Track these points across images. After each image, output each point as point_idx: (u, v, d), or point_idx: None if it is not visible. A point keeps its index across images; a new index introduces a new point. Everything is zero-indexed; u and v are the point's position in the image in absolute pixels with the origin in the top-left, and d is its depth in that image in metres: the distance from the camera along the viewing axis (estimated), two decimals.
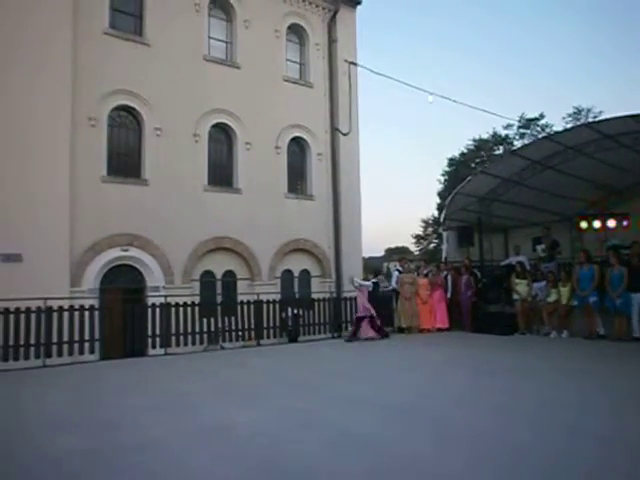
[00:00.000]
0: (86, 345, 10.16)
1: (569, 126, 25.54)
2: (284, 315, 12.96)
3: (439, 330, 12.99)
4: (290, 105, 15.58)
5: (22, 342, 9.43)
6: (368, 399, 6.05)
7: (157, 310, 11.08)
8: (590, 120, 25.49)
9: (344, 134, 16.50)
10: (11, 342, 9.35)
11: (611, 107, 64.60)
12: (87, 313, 10.27)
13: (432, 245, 41.29)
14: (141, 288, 12.80)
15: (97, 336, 10.33)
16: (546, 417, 5.09)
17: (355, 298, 12.94)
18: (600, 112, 31.71)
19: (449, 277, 13.68)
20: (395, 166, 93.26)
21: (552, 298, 11.62)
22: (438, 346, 10.84)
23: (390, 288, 14.38)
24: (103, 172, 12.44)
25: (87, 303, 10.61)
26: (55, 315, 9.82)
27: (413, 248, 46.45)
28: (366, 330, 12.05)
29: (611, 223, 13.88)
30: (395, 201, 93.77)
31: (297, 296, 15.18)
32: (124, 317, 10.93)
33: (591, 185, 14.58)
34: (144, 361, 10.05)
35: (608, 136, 11.86)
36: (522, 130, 35.40)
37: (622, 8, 69.41)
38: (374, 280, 13.03)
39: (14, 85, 11.07)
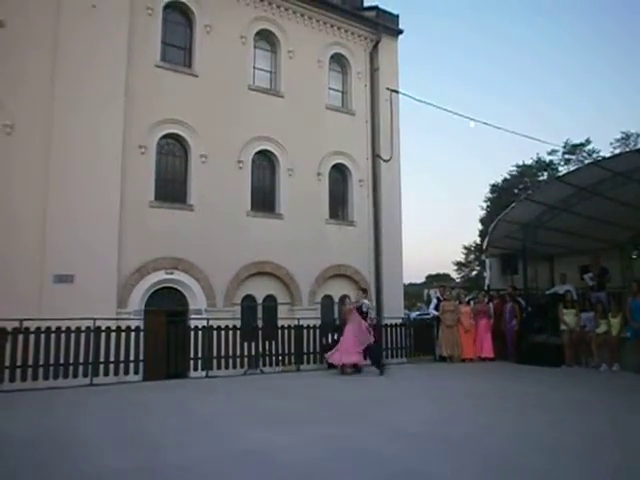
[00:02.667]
0: (131, 365, 10.39)
1: (617, 152, 24.91)
2: (324, 341, 12.92)
3: (482, 360, 12.66)
4: (332, 132, 15.82)
5: (71, 360, 9.74)
6: (404, 427, 5.95)
7: (199, 333, 11.24)
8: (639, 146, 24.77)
9: (385, 161, 16.58)
10: (61, 360, 9.67)
11: None
12: (132, 334, 10.53)
13: (474, 272, 40.56)
14: (184, 311, 13.06)
15: (141, 357, 10.55)
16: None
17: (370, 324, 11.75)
18: None
19: (491, 305, 13.39)
20: (437, 192, 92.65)
21: (602, 329, 11.19)
22: (480, 376, 10.57)
23: (431, 315, 14.17)
24: (151, 197, 12.88)
25: (133, 324, 10.90)
26: (103, 335, 10.12)
27: (454, 275, 45.70)
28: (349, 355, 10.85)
29: None
30: (437, 227, 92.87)
31: (337, 322, 15.12)
32: (167, 339, 11.14)
33: None
34: (185, 383, 10.20)
35: None
36: (567, 156, 34.73)
37: None
38: (364, 301, 11.55)
39: (74, 108, 11.68)
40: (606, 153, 28.25)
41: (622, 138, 32.79)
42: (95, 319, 10.00)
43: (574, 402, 7.69)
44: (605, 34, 74.71)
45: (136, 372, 10.43)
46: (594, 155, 32.09)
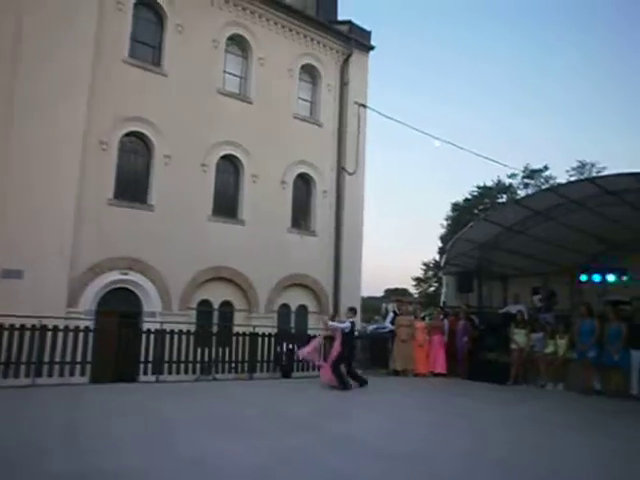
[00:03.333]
0: (77, 367, 10.04)
1: (573, 179, 25.89)
2: (279, 349, 12.84)
3: (435, 375, 12.83)
4: (298, 142, 15.87)
5: (13, 359, 9.34)
6: (354, 439, 5.96)
7: (151, 336, 10.99)
8: (594, 175, 25.84)
9: (350, 174, 16.74)
10: (2, 359, 9.25)
11: (615, 163, 65.48)
12: (81, 334, 10.19)
13: (432, 288, 41.17)
14: (137, 313, 12.76)
15: (89, 358, 10.22)
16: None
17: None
18: (604, 168, 32.13)
19: (446, 322, 13.60)
20: (398, 207, 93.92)
21: (549, 349, 11.52)
22: (427, 391, 10.72)
23: (386, 329, 14.28)
24: (110, 195, 12.59)
25: (82, 324, 10.55)
26: (49, 334, 9.74)
27: (413, 290, 46.24)
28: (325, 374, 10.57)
29: (610, 278, 13.89)
30: (398, 242, 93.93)
31: (293, 331, 15.08)
32: (118, 341, 10.84)
33: (592, 238, 14.65)
34: (134, 387, 9.92)
35: (610, 192, 12.00)
36: (526, 180, 35.82)
37: (626, 66, 71.19)
38: (351, 320, 11.08)
39: (35, 103, 11.32)
40: (562, 180, 29.30)
41: (578, 167, 34.09)
42: (42, 317, 9.63)
43: (523, 419, 7.87)
44: (569, 64, 77.82)
45: (82, 374, 10.08)
46: (551, 181, 33.21)
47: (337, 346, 10.48)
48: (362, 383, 10.51)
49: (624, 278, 13.81)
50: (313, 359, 11.36)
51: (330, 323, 11.51)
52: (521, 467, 5.13)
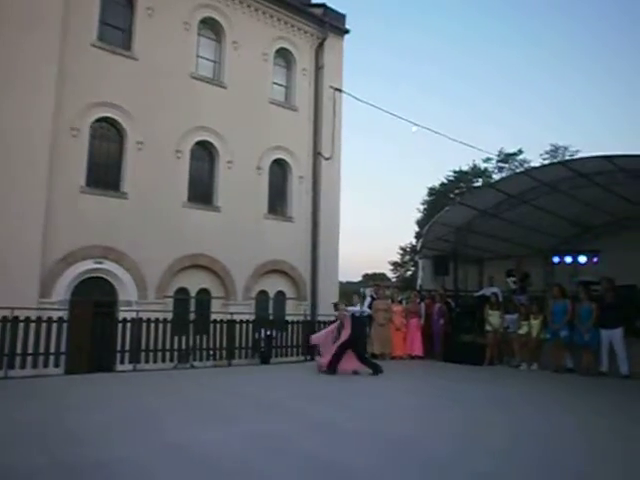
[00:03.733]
0: (51, 358, 9.90)
1: (546, 163, 26.25)
2: (257, 336, 12.85)
3: (412, 358, 12.99)
4: (274, 127, 15.74)
5: None
6: (335, 424, 6.01)
7: (127, 325, 10.87)
8: (566, 158, 26.23)
9: (326, 159, 16.69)
10: None
11: (586, 146, 66.60)
12: (54, 325, 10.02)
13: (409, 273, 41.58)
14: (113, 302, 12.62)
15: (63, 349, 10.07)
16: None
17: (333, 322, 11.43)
18: (577, 151, 32.68)
19: (422, 305, 13.75)
20: (376, 192, 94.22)
21: (523, 330, 11.73)
22: (406, 374, 10.85)
23: (365, 313, 14.36)
24: (82, 182, 12.35)
25: (56, 315, 10.37)
26: (21, 326, 9.55)
27: (390, 275, 46.68)
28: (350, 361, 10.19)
29: (582, 259, 14.17)
30: (375, 227, 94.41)
31: (271, 317, 15.09)
32: (93, 331, 10.71)
33: (565, 221, 14.91)
34: (111, 376, 9.82)
35: (582, 175, 12.19)
36: (501, 164, 36.22)
37: (601, 52, 72.18)
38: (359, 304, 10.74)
39: (1, 91, 11.02)
40: (536, 163, 29.71)
41: (551, 150, 34.61)
42: (13, 308, 9.43)
43: (498, 398, 8.02)
44: (548, 48, 78.51)
45: (57, 365, 9.94)
46: (525, 165, 33.63)
47: (346, 332, 10.16)
48: (376, 371, 10.00)
49: (595, 259, 14.11)
50: (324, 345, 10.66)
51: (347, 308, 10.83)
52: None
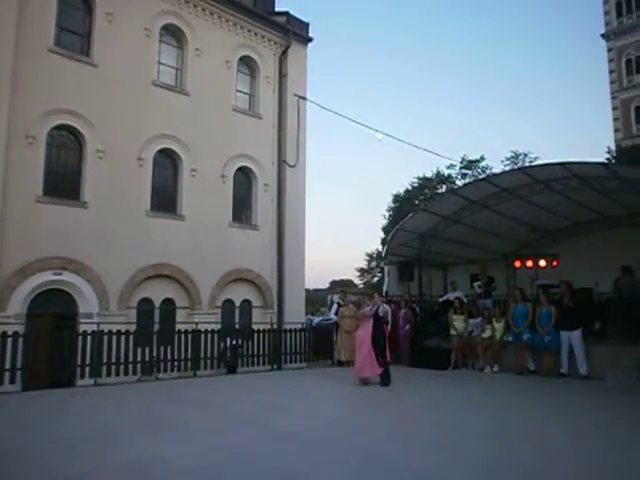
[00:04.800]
0: (6, 374, 9.51)
1: (507, 169, 26.87)
2: (223, 346, 12.68)
3: None
4: (238, 135, 15.65)
5: None
6: (302, 432, 5.97)
7: (88, 338, 10.57)
8: (526, 165, 26.93)
9: (291, 166, 16.68)
10: None
11: (549, 152, 68.61)
12: (10, 340, 9.64)
13: (375, 279, 41.82)
14: (73, 314, 12.25)
15: (19, 365, 9.70)
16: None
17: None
18: (536, 157, 33.52)
19: (389, 311, 13.82)
20: (342, 200, 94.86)
21: (487, 334, 11.95)
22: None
23: (331, 321, 14.39)
24: (38, 192, 11.99)
25: (11, 329, 9.98)
26: None
27: (357, 281, 46.89)
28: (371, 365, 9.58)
29: (542, 263, 14.53)
30: (341, 234, 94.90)
31: (237, 326, 14.93)
32: (52, 345, 10.36)
33: (525, 226, 15.28)
34: (71, 392, 9.50)
35: (539, 181, 12.53)
36: (464, 171, 36.85)
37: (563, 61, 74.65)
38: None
39: None
40: (497, 170, 30.38)
41: (512, 157, 35.44)
42: None
43: (465, 401, 8.12)
44: (515, 50, 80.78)
45: (12, 382, 9.55)
46: (487, 171, 34.30)
47: (365, 337, 9.66)
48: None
49: (554, 263, 14.49)
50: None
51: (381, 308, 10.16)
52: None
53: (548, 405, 7.92)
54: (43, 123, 12.12)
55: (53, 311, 12.02)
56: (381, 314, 9.99)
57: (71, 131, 12.76)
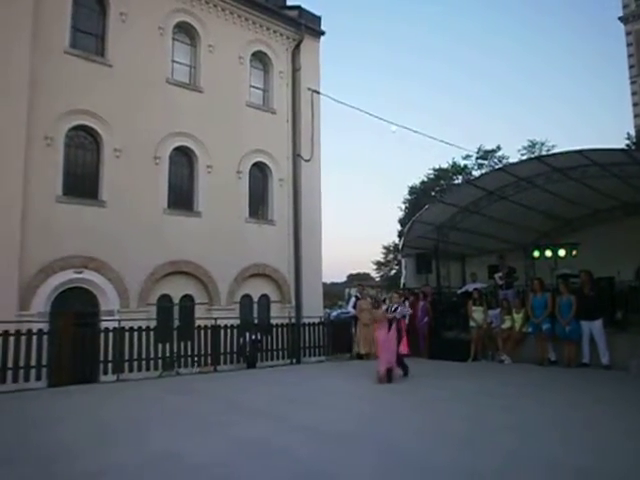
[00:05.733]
0: (32, 371, 9.72)
1: (523, 158, 26.57)
2: (242, 340, 12.79)
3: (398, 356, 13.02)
4: (252, 130, 15.69)
5: None
6: (321, 427, 6.00)
7: (110, 335, 10.74)
8: (543, 154, 26.57)
9: (306, 160, 16.68)
10: None
11: (564, 141, 67.67)
12: (35, 338, 9.84)
13: (393, 271, 41.73)
14: (95, 312, 12.44)
15: (44, 362, 9.90)
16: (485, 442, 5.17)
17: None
18: (553, 146, 33.11)
19: (407, 303, 13.79)
20: (358, 193, 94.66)
21: (506, 325, 11.87)
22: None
23: (350, 314, 14.41)
24: (58, 192, 12.17)
25: (36, 327, 10.18)
26: (0, 340, 9.37)
27: (374, 274, 46.83)
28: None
29: (561, 252, 14.37)
30: (358, 228, 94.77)
31: (256, 321, 15.04)
32: (75, 342, 10.55)
33: (543, 215, 15.12)
34: (94, 388, 9.69)
35: (557, 169, 12.37)
36: (480, 161, 36.53)
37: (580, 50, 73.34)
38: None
39: None
40: (514, 159, 30.03)
41: (529, 146, 35.03)
42: None
43: (484, 393, 8.09)
44: (527, 43, 79.71)
45: (39, 378, 9.76)
46: (504, 161, 33.97)
47: (390, 335, 9.41)
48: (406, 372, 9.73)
49: (574, 252, 14.32)
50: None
51: (399, 309, 9.84)
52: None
53: (570, 396, 7.84)
54: (61, 124, 12.29)
55: (75, 309, 12.23)
56: (398, 317, 9.63)
57: (88, 131, 12.92)
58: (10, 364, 9.43)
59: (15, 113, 11.38)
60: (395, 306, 9.75)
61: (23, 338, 9.70)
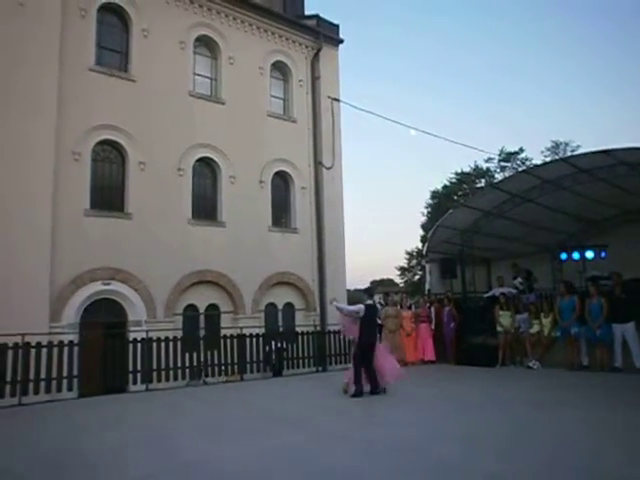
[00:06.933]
0: (64, 382, 9.91)
1: (547, 160, 26.19)
2: (268, 349, 12.83)
3: (424, 362, 12.94)
4: (274, 140, 15.81)
5: None
6: (351, 434, 5.98)
7: (138, 345, 10.89)
8: (568, 154, 26.16)
9: (327, 168, 16.73)
10: None
11: (588, 141, 66.63)
12: (66, 349, 10.04)
13: (416, 277, 41.41)
14: (122, 322, 12.64)
15: (76, 372, 10.09)
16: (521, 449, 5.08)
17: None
18: (578, 146, 32.59)
19: (432, 309, 13.71)
20: (380, 199, 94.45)
21: (534, 329, 11.68)
22: (425, 379, 10.78)
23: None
24: (86, 206, 12.43)
25: (66, 338, 10.39)
26: (33, 351, 9.59)
27: (398, 280, 46.52)
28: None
29: (589, 254, 14.10)
30: (380, 233, 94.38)
31: (281, 329, 15.07)
32: (104, 353, 10.73)
33: (570, 217, 14.88)
34: (124, 398, 9.83)
35: (584, 170, 12.18)
36: (503, 163, 36.14)
37: (601, 46, 72.25)
38: (368, 302, 8.89)
39: (2, 119, 11.15)
40: (538, 161, 29.63)
41: (552, 147, 34.54)
42: (24, 334, 9.46)
43: (516, 400, 7.97)
44: (546, 40, 78.80)
45: (70, 389, 9.94)
46: (527, 163, 33.55)
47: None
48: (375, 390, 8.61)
49: (602, 254, 14.03)
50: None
51: (336, 304, 9.17)
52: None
53: (603, 402, 7.66)
54: (88, 139, 12.57)
55: (104, 320, 12.44)
56: (360, 315, 8.64)
57: (114, 145, 13.19)
58: (43, 375, 9.61)
59: (44, 130, 11.69)
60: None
61: (55, 349, 9.89)
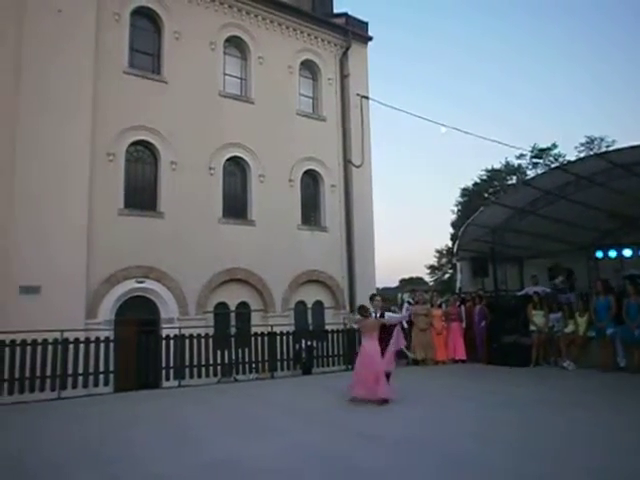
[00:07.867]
0: (101, 377, 10.19)
1: (582, 156, 25.56)
2: (298, 347, 12.90)
3: (455, 362, 12.82)
4: (303, 138, 15.86)
5: (38, 374, 9.49)
6: (381, 433, 5.98)
7: (171, 342, 11.10)
8: (602, 150, 25.48)
9: (357, 166, 16.71)
10: (27, 374, 9.41)
11: (622, 136, 64.67)
12: (102, 345, 10.32)
13: (446, 275, 41.01)
14: (155, 320, 12.89)
15: (111, 368, 10.36)
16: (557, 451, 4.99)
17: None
18: (613, 141, 31.71)
19: (463, 308, 13.56)
20: (409, 197, 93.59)
21: (569, 329, 11.45)
22: (449, 377, 10.69)
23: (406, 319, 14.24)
24: (120, 205, 12.71)
25: (102, 335, 10.68)
26: (71, 347, 9.89)
27: (427, 278, 46.11)
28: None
29: (627, 252, 13.74)
30: (409, 232, 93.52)
31: (311, 328, 15.13)
32: (138, 349, 10.98)
33: (606, 214, 14.49)
34: (157, 393, 10.03)
35: (620, 165, 11.84)
36: (535, 160, 35.40)
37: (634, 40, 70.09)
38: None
39: (39, 121, 11.48)
40: (571, 157, 28.93)
41: (586, 142, 33.63)
42: (63, 331, 9.77)
43: (546, 401, 7.83)
44: (574, 37, 76.87)
45: (106, 384, 10.22)
46: (560, 159, 32.80)
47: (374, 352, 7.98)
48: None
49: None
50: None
51: (387, 318, 8.48)
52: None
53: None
54: (121, 140, 12.86)
55: (138, 317, 12.72)
56: (387, 323, 8.20)
57: (147, 146, 13.45)
58: (80, 370, 9.90)
59: (81, 132, 12.01)
60: (382, 312, 8.46)
61: (92, 345, 10.17)
